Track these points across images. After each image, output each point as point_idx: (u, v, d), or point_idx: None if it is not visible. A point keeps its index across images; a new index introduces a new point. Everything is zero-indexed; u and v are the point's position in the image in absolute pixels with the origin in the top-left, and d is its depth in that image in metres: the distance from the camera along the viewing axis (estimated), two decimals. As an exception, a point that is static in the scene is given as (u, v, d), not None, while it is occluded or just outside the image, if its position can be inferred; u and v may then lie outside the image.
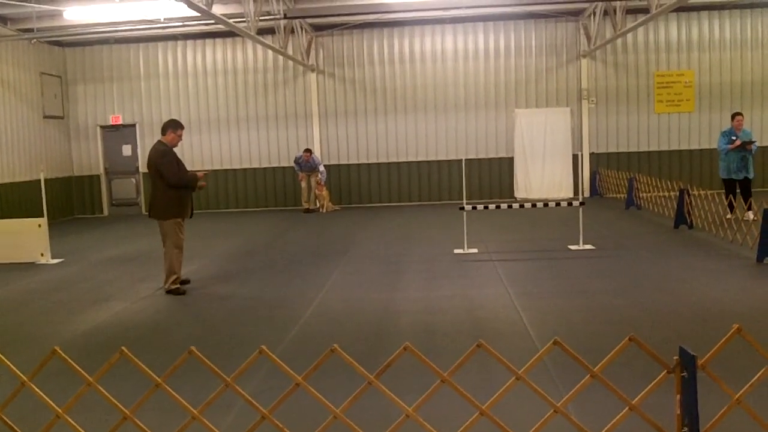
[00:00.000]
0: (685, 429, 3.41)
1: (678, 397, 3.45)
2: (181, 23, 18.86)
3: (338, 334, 7.42)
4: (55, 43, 21.72)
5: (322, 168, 20.36)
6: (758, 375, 3.50)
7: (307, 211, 20.54)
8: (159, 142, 9.81)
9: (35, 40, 20.02)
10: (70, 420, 3.71)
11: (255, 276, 11.08)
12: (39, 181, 14.00)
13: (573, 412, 4.60)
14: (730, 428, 4.02)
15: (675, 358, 3.44)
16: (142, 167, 22.42)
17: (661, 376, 3.49)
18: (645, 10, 16.49)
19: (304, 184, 20.63)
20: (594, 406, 4.84)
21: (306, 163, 20.28)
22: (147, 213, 10.17)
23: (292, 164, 21.00)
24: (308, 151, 20.33)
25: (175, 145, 9.87)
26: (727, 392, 3.48)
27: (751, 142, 14.41)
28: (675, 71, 21.36)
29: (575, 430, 3.65)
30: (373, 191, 22.19)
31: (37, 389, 3.77)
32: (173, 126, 9.84)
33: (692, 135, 21.47)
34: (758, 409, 3.61)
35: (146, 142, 22.25)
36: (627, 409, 3.52)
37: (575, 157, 20.70)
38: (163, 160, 9.59)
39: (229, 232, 16.31)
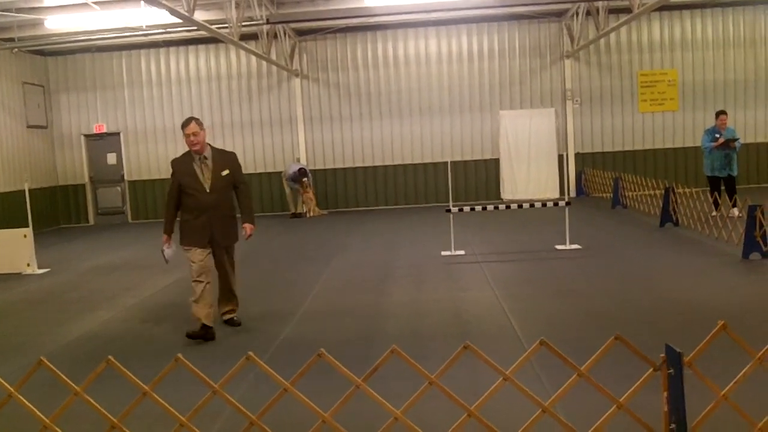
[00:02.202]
0: (673, 426, 3.42)
1: (665, 394, 3.46)
2: (163, 30, 18.79)
3: (326, 339, 7.41)
4: (37, 52, 21.61)
5: (308, 173, 20.47)
6: (744, 371, 3.52)
7: (294, 216, 20.52)
8: None
9: (17, 49, 19.92)
10: (57, 430, 3.69)
11: (241, 281, 11.03)
12: (23, 191, 13.92)
13: (561, 411, 4.60)
14: (717, 424, 4.03)
15: (661, 355, 3.45)
16: (128, 175, 22.35)
17: (647, 374, 3.50)
18: (627, 10, 16.55)
19: (289, 190, 20.58)
20: (582, 405, 4.85)
21: (298, 176, 20.25)
22: None
23: (283, 178, 20.86)
24: (303, 172, 20.27)
25: (193, 149, 7.83)
26: (713, 389, 3.49)
27: (734, 140, 14.52)
28: (658, 70, 21.46)
29: (563, 430, 3.66)
30: (359, 195, 22.18)
31: (23, 400, 3.74)
32: (181, 127, 7.95)
33: (676, 133, 21.57)
34: (744, 406, 3.63)
35: (131, 150, 22.18)
36: (615, 407, 3.53)
37: (560, 158, 20.75)
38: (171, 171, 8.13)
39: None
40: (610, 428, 3.72)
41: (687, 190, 14.80)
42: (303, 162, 21.42)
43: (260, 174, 22.12)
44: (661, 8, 19.63)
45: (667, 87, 21.47)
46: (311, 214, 20.51)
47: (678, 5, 20.79)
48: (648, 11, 15.77)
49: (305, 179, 20.22)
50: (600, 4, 18.36)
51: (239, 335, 7.90)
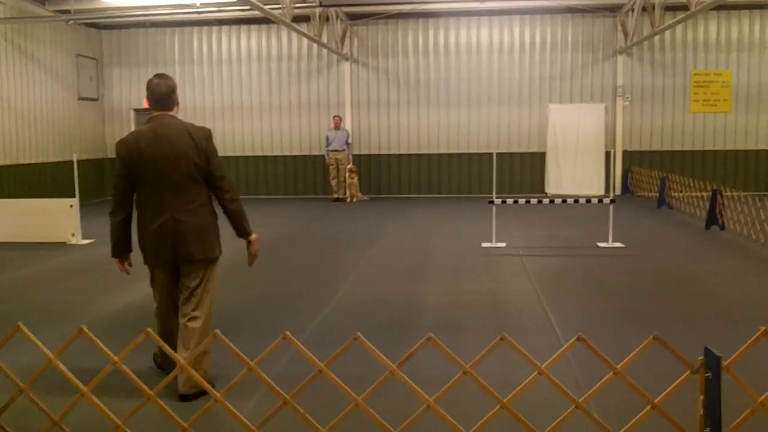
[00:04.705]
0: (708, 430, 3.38)
1: (701, 397, 3.42)
2: (216, 8, 18.96)
3: (362, 325, 7.43)
4: (91, 25, 21.91)
5: (350, 140, 20.85)
6: (784, 379, 3.46)
7: (337, 200, 20.60)
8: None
9: (72, 21, 20.19)
10: (94, 398, 3.75)
11: (280, 264, 11.12)
12: (72, 161, 14.12)
13: (594, 409, 4.57)
14: (753, 431, 3.98)
15: (699, 358, 3.41)
16: (175, 151, 22.58)
17: (684, 376, 3.46)
18: (684, 8, 16.29)
19: (333, 174, 20.65)
20: (616, 403, 4.82)
21: (337, 134, 20.40)
22: None
23: (322, 151, 21.06)
24: (338, 117, 20.80)
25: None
26: (751, 395, 3.44)
27: None
28: (712, 70, 21.08)
29: (596, 427, 3.63)
30: (402, 182, 22.17)
31: (63, 367, 3.81)
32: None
33: (727, 136, 21.19)
34: (783, 414, 3.57)
35: (179, 126, 22.39)
36: (649, 407, 3.49)
37: (608, 155, 20.51)
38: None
39: (258, 218, 16.38)
40: (643, 428, 3.69)
41: (735, 193, 14.53)
42: (348, 128, 21.55)
43: (305, 156, 22.22)
44: (718, 7, 19.29)
45: (721, 88, 21.09)
46: (353, 199, 20.57)
47: (735, 5, 20.35)
48: (705, 10, 15.52)
49: (350, 157, 20.52)
50: (656, 0, 18.10)
51: (276, 316, 7.96)
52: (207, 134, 5.46)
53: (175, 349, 5.30)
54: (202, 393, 5.15)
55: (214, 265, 5.56)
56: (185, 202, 5.34)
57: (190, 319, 5.38)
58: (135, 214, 5.47)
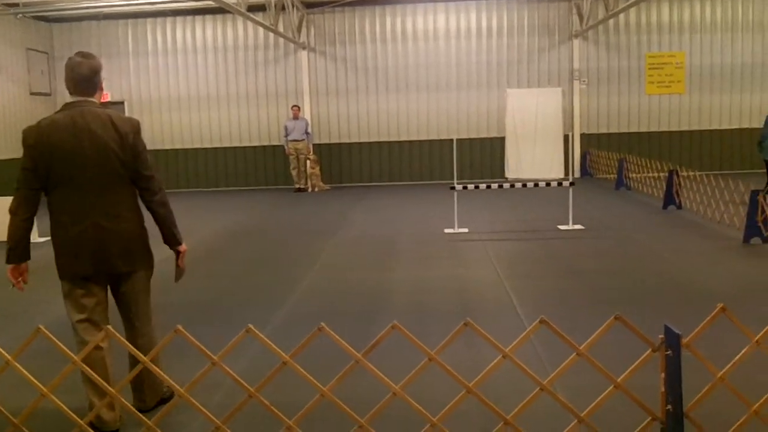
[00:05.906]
0: (669, 407, 3.42)
1: (662, 375, 3.47)
2: (170, -1, 18.74)
3: (327, 315, 7.42)
4: (41, 18, 21.51)
5: (309, 129, 20.63)
6: (741, 353, 3.52)
7: (298, 190, 20.51)
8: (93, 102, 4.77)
9: (21, 15, 19.82)
10: (54, 399, 3.70)
11: (243, 256, 11.05)
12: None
13: (559, 390, 4.62)
14: (714, 406, 4.04)
15: (660, 336, 3.45)
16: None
17: (646, 354, 3.50)
18: (637, -10, 16.42)
19: (294, 164, 20.55)
20: (580, 384, 4.86)
21: (296, 123, 20.27)
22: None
23: (281, 141, 20.94)
24: (297, 107, 20.58)
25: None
26: (711, 370, 3.49)
27: None
28: (666, 52, 21.32)
29: (561, 408, 3.67)
30: (364, 171, 22.15)
31: (21, 368, 3.75)
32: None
33: (682, 116, 21.47)
34: (741, 388, 3.63)
35: (135, 119, 22.14)
36: (612, 387, 3.53)
37: (566, 138, 20.67)
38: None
39: (218, 211, 16.27)
40: (607, 407, 3.74)
41: (691, 173, 14.74)
42: (307, 117, 21.40)
43: (264, 147, 22.10)
44: (671, -11, 19.49)
45: (675, 69, 21.35)
46: (315, 188, 20.50)
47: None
48: (658, -8, 15.65)
49: (310, 146, 20.42)
50: (610, -17, 18.24)
51: (240, 308, 7.91)
52: (135, 127, 4.69)
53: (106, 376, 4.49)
54: (163, 402, 4.99)
55: (144, 276, 4.90)
56: (110, 205, 4.60)
57: (132, 335, 4.93)
58: (49, 220, 4.81)
